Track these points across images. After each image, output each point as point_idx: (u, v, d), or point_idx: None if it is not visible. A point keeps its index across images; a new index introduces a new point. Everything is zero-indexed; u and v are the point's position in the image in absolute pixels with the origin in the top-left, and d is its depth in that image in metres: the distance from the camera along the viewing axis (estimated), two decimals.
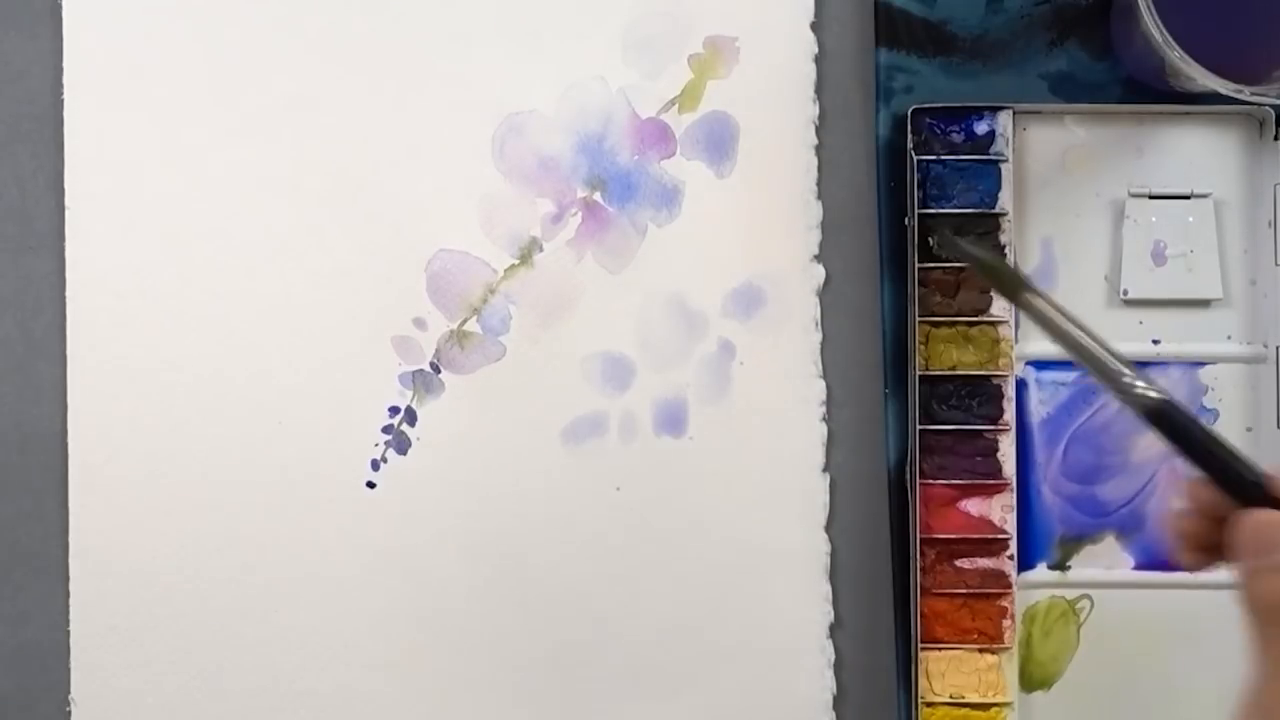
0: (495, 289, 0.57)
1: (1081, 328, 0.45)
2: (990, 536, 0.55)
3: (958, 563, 0.55)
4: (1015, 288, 0.47)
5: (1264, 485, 0.42)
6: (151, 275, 0.56)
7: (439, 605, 0.56)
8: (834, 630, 0.56)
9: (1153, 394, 0.43)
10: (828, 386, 0.57)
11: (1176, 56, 0.49)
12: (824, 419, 0.57)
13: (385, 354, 0.56)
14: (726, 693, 0.56)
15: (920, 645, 0.55)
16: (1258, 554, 0.41)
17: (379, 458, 0.56)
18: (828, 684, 0.56)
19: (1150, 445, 0.56)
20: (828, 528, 0.57)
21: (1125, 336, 0.56)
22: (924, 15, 0.56)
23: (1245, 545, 0.41)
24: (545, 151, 0.57)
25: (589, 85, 0.57)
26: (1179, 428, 0.43)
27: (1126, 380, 0.43)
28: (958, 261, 0.53)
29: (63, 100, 0.56)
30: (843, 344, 0.57)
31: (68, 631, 0.56)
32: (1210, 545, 0.43)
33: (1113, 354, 0.44)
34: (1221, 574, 0.56)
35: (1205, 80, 0.49)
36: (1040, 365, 0.56)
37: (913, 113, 0.55)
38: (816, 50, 0.57)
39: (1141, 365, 0.56)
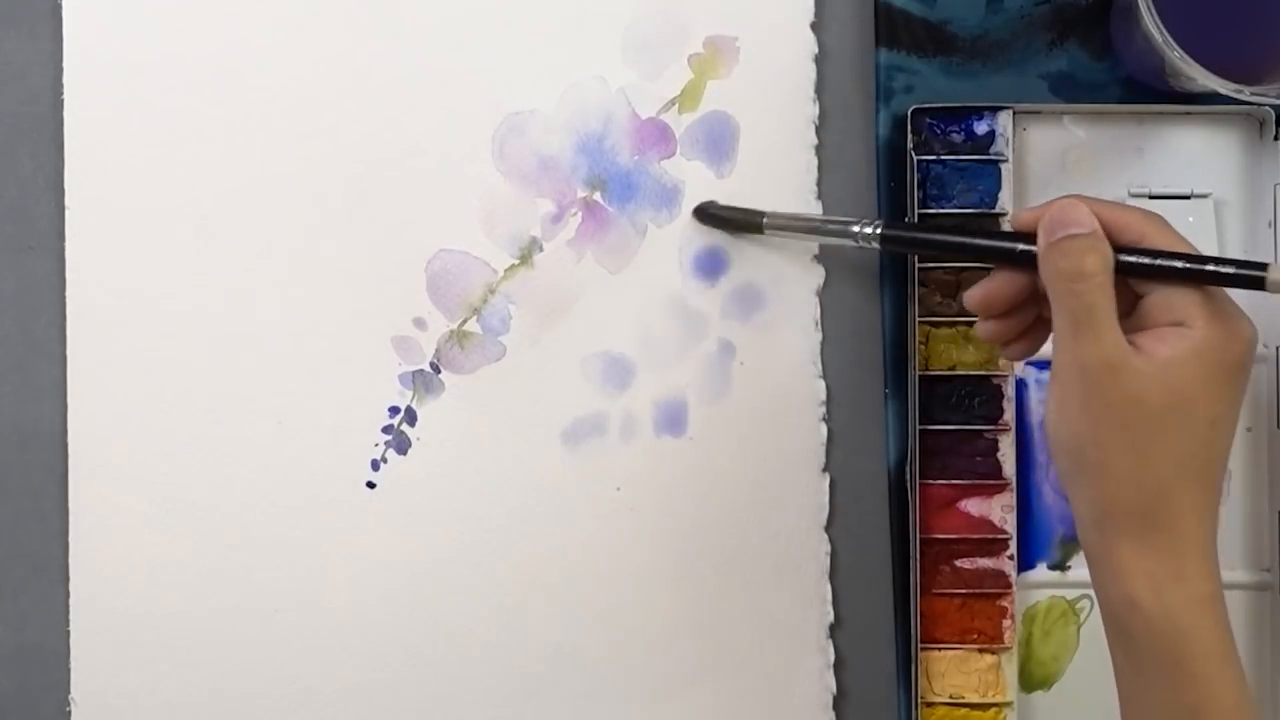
0: (495, 289, 0.57)
1: (811, 216, 0.56)
2: (990, 536, 0.55)
3: (958, 563, 0.55)
4: (755, 221, 0.56)
5: (1016, 228, 0.47)
6: (151, 275, 0.56)
7: (439, 605, 0.56)
8: (834, 630, 0.56)
9: (872, 229, 0.52)
10: (828, 386, 0.57)
11: (1176, 56, 0.49)
12: (824, 419, 0.57)
13: (385, 354, 0.56)
14: (726, 693, 0.56)
15: (920, 645, 0.55)
16: (1053, 231, 0.45)
17: (379, 458, 0.56)
18: (828, 684, 0.56)
19: None
20: (828, 528, 0.57)
21: None
22: (924, 15, 0.56)
23: (1045, 228, 0.45)
24: (545, 151, 0.57)
25: (589, 85, 0.57)
26: (914, 239, 0.52)
27: (856, 229, 0.52)
28: (725, 227, 0.57)
29: (63, 100, 0.56)
30: (843, 344, 0.57)
31: (68, 631, 0.56)
32: (1017, 333, 0.48)
33: (839, 219, 0.54)
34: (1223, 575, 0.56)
35: (1205, 80, 0.49)
36: (1040, 365, 0.56)
37: (913, 113, 0.55)
38: (816, 50, 0.57)
39: None
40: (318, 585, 0.56)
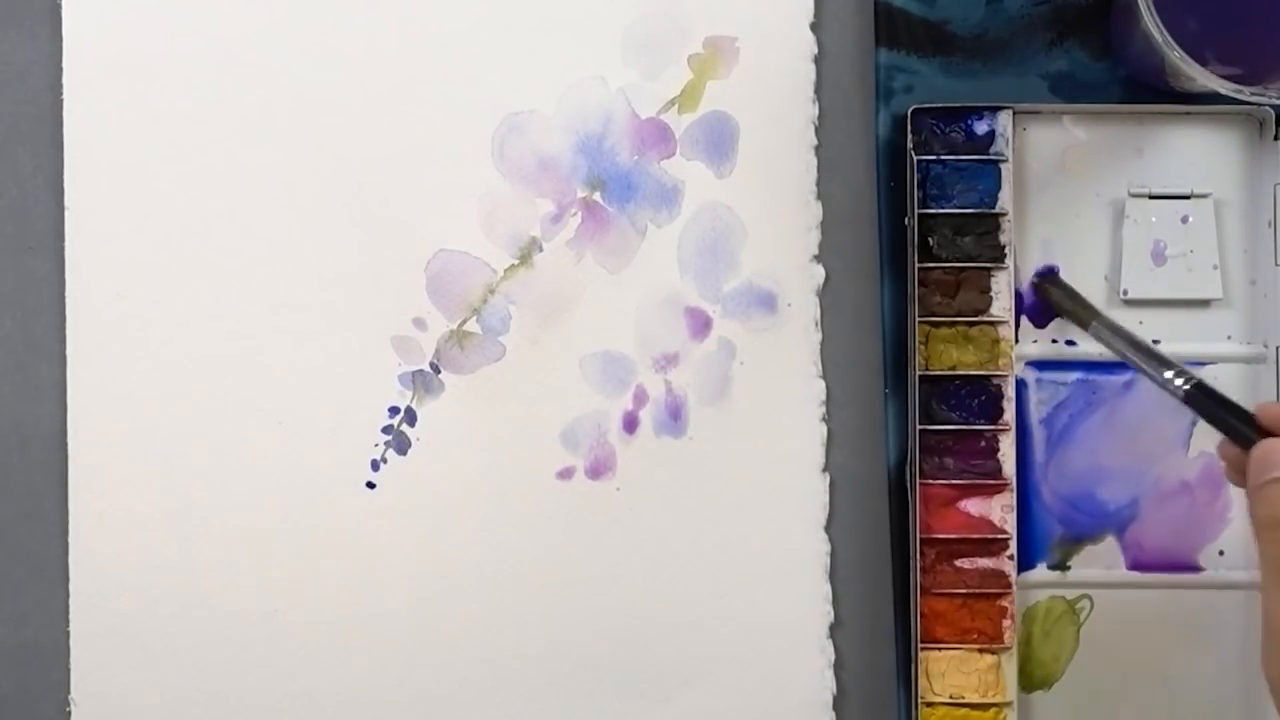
0: (495, 289, 0.57)
1: (1134, 341, 0.52)
2: (990, 536, 0.55)
3: (958, 563, 0.55)
4: (1089, 316, 0.53)
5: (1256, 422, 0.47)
6: (151, 275, 0.56)
7: (438, 605, 0.56)
8: (834, 630, 0.56)
9: (1182, 381, 0.49)
10: (828, 386, 0.57)
11: (1176, 56, 0.49)
12: (824, 419, 0.57)
13: (385, 354, 0.56)
14: (726, 693, 0.56)
15: (920, 645, 0.55)
16: (1259, 474, 0.45)
17: (379, 458, 0.56)
18: (828, 684, 0.56)
19: (1151, 446, 0.56)
20: (828, 528, 0.57)
21: None
22: (924, 15, 0.56)
23: (1251, 470, 0.46)
24: (545, 151, 0.57)
25: (589, 85, 0.57)
26: (1208, 408, 0.49)
27: (1169, 374, 0.50)
28: (1060, 308, 0.56)
29: (63, 100, 0.56)
30: (843, 344, 0.57)
31: (68, 632, 0.56)
32: None
33: (1153, 359, 0.50)
34: (1221, 574, 0.56)
35: (1205, 80, 0.49)
36: (1040, 365, 0.56)
37: (913, 113, 0.55)
38: (816, 50, 0.57)
39: None
40: (317, 585, 0.56)
